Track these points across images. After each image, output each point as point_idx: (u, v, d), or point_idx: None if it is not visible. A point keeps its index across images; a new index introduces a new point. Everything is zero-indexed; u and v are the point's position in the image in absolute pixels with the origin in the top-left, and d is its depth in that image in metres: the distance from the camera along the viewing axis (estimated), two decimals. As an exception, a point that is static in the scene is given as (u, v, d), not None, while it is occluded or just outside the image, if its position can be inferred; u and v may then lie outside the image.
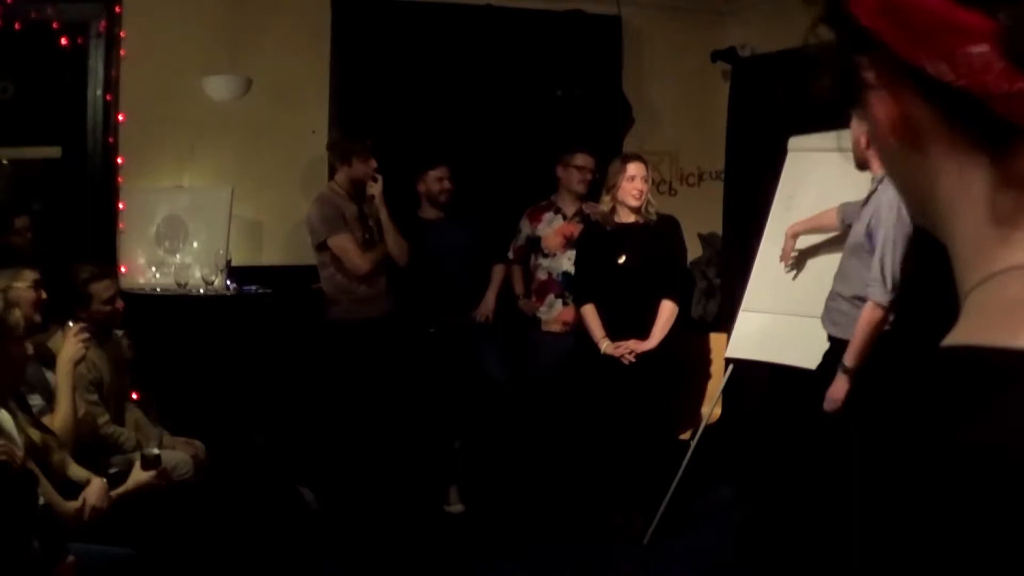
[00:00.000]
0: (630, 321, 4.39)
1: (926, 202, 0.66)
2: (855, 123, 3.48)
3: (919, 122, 0.63)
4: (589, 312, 4.47)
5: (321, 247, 4.69)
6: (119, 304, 3.79)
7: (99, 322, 3.68)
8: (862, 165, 3.53)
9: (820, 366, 3.69)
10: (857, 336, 3.48)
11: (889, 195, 3.35)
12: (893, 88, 0.63)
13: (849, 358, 3.49)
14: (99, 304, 3.69)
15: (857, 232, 3.50)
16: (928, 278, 3.51)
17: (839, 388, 3.51)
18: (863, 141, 3.45)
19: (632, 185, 4.34)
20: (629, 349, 4.33)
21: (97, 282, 3.70)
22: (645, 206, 4.39)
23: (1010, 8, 0.58)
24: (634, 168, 4.37)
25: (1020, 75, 0.58)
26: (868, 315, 3.43)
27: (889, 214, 3.34)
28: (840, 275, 3.60)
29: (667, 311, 4.38)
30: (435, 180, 5.02)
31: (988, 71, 0.59)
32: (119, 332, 4.02)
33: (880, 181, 3.45)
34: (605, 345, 4.37)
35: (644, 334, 4.36)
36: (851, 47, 0.64)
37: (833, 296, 3.62)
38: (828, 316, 3.63)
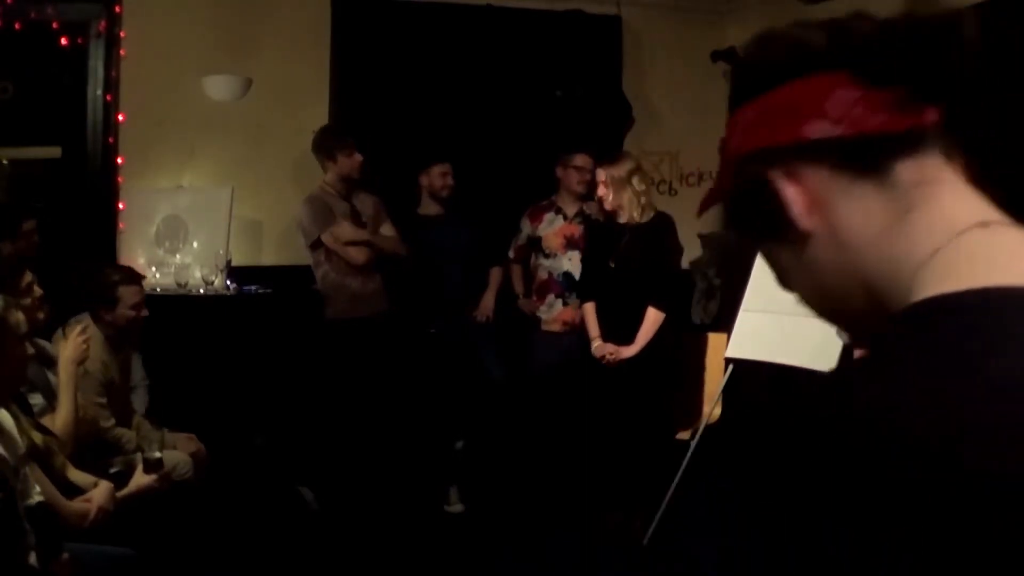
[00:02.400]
0: (618, 323, 4.39)
1: (856, 271, 0.79)
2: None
3: (818, 186, 0.79)
4: (588, 310, 4.48)
5: (315, 245, 4.69)
6: (144, 312, 3.77)
7: (122, 327, 3.67)
8: None
9: (836, 369, 3.68)
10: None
11: None
12: (791, 172, 0.79)
13: None
14: (125, 308, 3.68)
15: None
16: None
17: None
18: None
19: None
20: (610, 351, 4.35)
21: (127, 286, 3.69)
22: (642, 207, 4.38)
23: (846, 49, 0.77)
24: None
25: (878, 93, 0.75)
26: None
27: None
28: None
29: (651, 318, 4.38)
30: (439, 175, 5.05)
31: (856, 105, 0.75)
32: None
33: None
34: (596, 345, 4.39)
35: (631, 337, 4.37)
36: (754, 167, 0.81)
37: None
38: None
